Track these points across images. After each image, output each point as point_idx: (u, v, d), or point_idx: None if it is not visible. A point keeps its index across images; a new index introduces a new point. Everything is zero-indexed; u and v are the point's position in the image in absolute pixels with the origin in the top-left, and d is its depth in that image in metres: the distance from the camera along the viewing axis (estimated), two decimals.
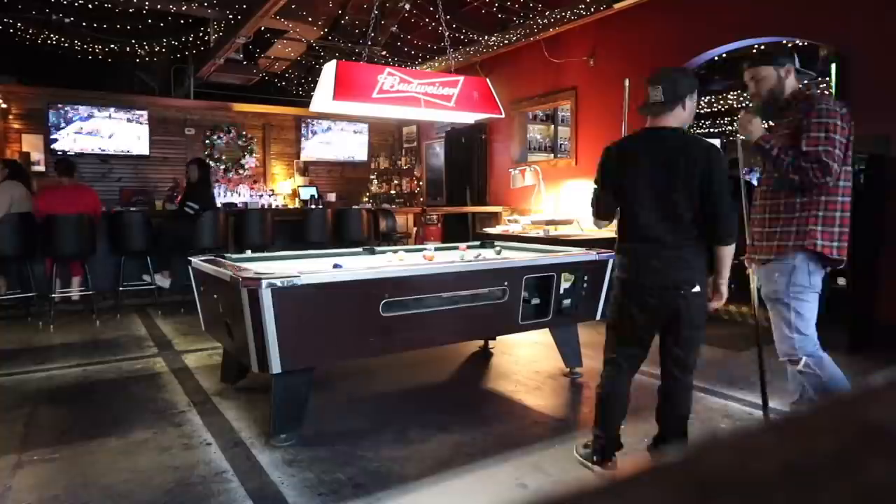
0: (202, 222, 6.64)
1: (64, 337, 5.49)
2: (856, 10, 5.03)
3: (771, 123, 3.21)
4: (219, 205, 8.03)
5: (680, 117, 2.67)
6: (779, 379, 4.13)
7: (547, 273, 3.85)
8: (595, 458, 2.79)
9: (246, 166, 10.40)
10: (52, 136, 8.76)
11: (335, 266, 3.40)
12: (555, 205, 7.97)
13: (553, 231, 7.12)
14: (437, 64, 9.10)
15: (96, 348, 5.08)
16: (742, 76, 3.05)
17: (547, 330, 4.18)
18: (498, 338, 4.89)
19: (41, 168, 8.67)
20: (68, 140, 8.86)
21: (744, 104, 10.67)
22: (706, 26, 6.19)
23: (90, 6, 7.90)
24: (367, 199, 10.98)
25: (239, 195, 10.03)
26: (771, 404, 3.61)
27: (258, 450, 3.02)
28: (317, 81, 4.74)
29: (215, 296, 3.50)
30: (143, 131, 9.37)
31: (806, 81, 3.13)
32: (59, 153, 8.62)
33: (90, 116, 9.03)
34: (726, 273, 2.68)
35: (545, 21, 7.30)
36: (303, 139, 10.69)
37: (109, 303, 6.70)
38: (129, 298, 6.77)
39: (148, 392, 3.93)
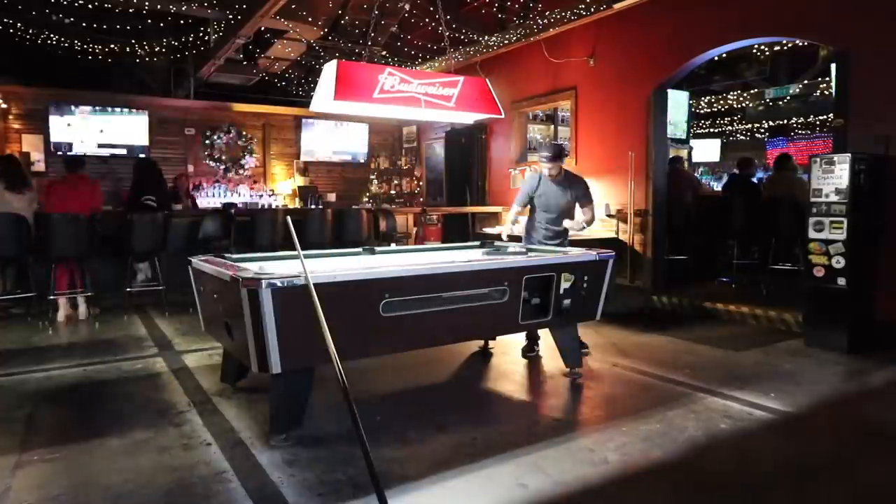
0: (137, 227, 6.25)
1: (64, 337, 5.49)
2: (856, 10, 5.04)
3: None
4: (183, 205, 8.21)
5: None
6: (780, 379, 4.13)
7: (547, 273, 3.86)
8: None
9: (246, 166, 10.41)
10: (51, 136, 8.76)
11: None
12: None
13: None
14: (437, 64, 9.09)
15: (96, 348, 5.08)
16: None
17: (547, 330, 4.18)
18: (498, 338, 4.90)
19: (41, 168, 8.68)
20: (68, 140, 8.86)
21: (743, 104, 10.68)
22: (706, 26, 6.19)
23: (90, 6, 7.89)
24: (367, 199, 10.98)
25: (239, 195, 10.03)
26: (771, 404, 3.62)
27: (258, 450, 3.02)
28: (317, 81, 4.74)
29: (215, 296, 3.50)
30: (143, 131, 9.37)
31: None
32: (59, 154, 8.64)
33: (90, 116, 9.03)
34: None
35: (545, 21, 7.30)
36: (303, 139, 10.70)
37: (108, 303, 6.69)
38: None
39: (148, 392, 3.93)
